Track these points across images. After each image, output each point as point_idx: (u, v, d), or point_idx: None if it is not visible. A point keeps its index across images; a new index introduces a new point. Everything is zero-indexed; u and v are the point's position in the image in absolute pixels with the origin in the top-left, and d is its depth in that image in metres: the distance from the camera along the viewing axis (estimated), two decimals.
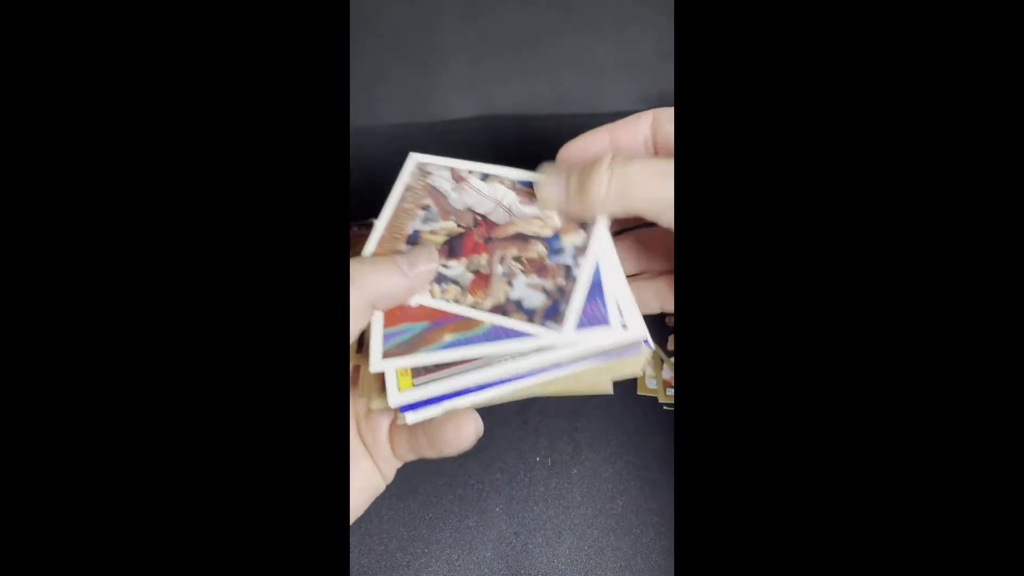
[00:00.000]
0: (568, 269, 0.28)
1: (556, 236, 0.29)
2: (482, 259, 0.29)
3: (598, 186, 0.27)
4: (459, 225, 0.31)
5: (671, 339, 0.42)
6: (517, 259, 0.29)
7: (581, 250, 0.28)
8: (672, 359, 0.41)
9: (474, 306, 0.28)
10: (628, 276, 0.30)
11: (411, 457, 0.31)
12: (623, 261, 0.30)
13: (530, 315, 0.27)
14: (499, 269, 0.29)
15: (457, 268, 0.29)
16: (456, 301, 0.28)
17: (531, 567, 0.35)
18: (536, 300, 0.27)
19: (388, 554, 0.35)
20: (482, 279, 0.29)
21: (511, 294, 0.28)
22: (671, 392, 0.41)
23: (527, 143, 0.60)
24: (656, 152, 0.31)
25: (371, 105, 0.66)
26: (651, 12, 0.77)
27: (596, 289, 0.28)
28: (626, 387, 0.41)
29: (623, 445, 0.39)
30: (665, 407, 0.40)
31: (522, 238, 0.29)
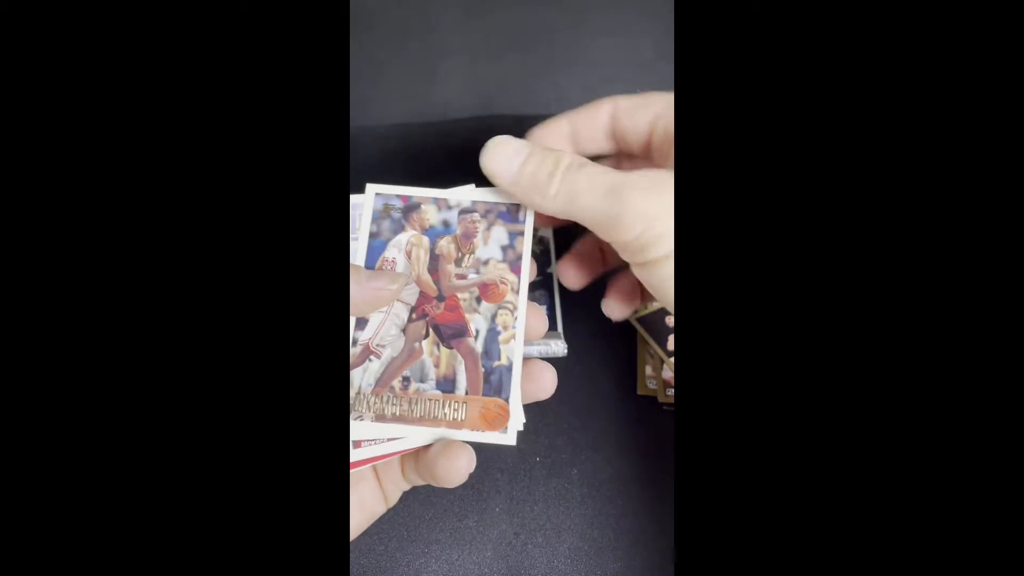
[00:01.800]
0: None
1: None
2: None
3: (550, 184, 0.26)
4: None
5: (671, 339, 0.42)
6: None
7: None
8: (672, 359, 0.41)
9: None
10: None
11: (420, 482, 0.31)
12: (583, 264, 0.32)
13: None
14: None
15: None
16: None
17: (531, 567, 0.35)
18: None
19: (388, 554, 0.35)
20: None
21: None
22: (671, 392, 0.41)
23: None
24: (617, 144, 0.31)
25: (371, 105, 0.66)
26: (651, 12, 0.77)
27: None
28: (626, 387, 0.41)
29: (623, 445, 0.39)
30: (665, 407, 0.40)
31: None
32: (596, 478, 0.38)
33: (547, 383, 0.28)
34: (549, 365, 0.28)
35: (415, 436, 0.29)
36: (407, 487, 0.32)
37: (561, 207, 0.26)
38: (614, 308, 0.33)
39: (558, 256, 0.47)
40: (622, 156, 0.33)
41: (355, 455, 0.28)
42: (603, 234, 0.26)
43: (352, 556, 0.35)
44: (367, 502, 0.31)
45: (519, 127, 0.67)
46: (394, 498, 0.32)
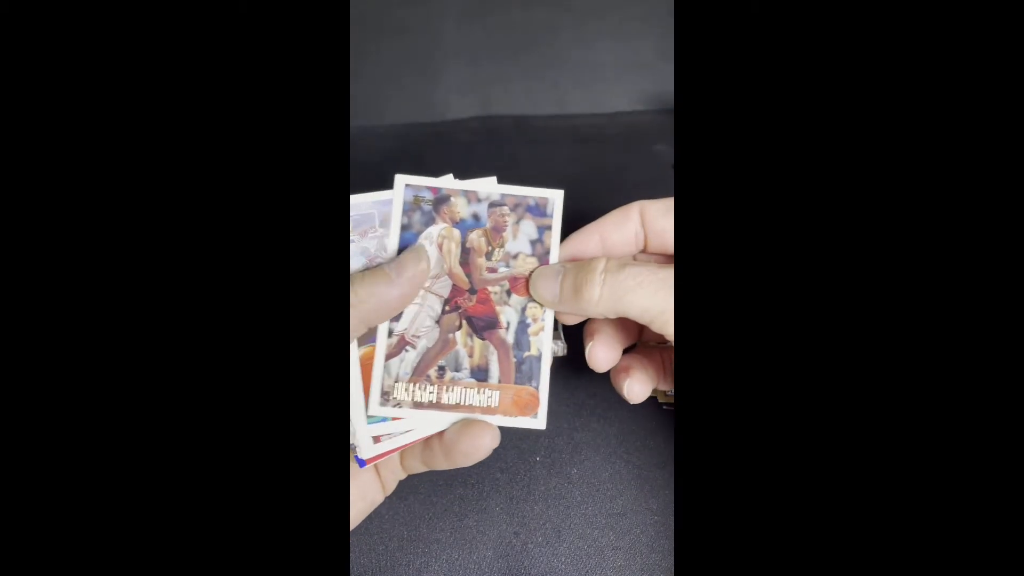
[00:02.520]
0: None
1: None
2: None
3: (591, 290, 0.28)
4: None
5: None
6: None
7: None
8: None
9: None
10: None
11: (420, 469, 0.31)
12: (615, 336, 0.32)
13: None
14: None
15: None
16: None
17: (531, 567, 0.35)
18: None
19: (388, 554, 0.35)
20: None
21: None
22: (671, 392, 0.41)
23: (527, 143, 0.60)
24: (646, 247, 0.31)
25: (371, 105, 0.66)
26: (651, 12, 0.77)
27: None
28: None
29: (623, 445, 0.39)
30: (665, 407, 0.40)
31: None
32: (596, 478, 0.38)
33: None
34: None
35: (428, 424, 0.30)
36: (404, 476, 0.32)
37: (607, 308, 0.28)
38: (637, 388, 0.31)
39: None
40: (650, 256, 0.33)
41: (376, 449, 0.29)
42: (658, 328, 0.27)
43: (352, 556, 0.35)
44: (367, 492, 0.31)
45: (519, 127, 0.67)
46: (391, 487, 0.32)
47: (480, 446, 0.28)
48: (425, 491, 0.37)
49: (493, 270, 0.30)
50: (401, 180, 0.31)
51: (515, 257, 0.31)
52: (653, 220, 0.31)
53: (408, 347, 0.30)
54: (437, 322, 0.30)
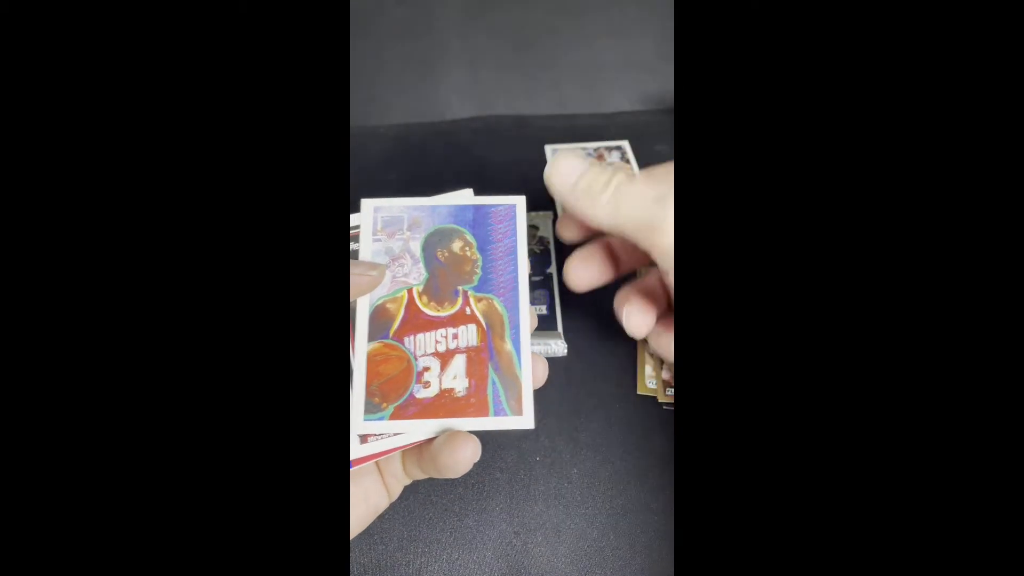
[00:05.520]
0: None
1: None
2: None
3: (601, 194, 0.28)
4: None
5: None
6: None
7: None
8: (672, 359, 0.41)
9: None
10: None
11: (421, 476, 0.31)
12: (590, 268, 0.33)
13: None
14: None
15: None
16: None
17: (531, 567, 0.35)
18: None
19: (388, 554, 0.35)
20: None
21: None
22: (671, 392, 0.41)
23: (527, 143, 0.60)
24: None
25: (371, 105, 0.66)
26: (651, 13, 0.77)
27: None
28: (626, 387, 0.41)
29: (623, 445, 0.39)
30: (665, 407, 0.40)
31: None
32: (596, 478, 0.38)
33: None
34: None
35: (420, 429, 0.29)
36: (408, 481, 0.32)
37: (608, 214, 0.28)
38: (636, 317, 0.32)
39: (559, 257, 0.47)
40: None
41: (363, 450, 0.29)
42: (644, 240, 0.28)
43: (352, 556, 0.35)
44: (371, 496, 0.31)
45: (519, 127, 0.67)
46: (396, 492, 0.32)
47: (461, 459, 0.28)
48: (425, 491, 0.37)
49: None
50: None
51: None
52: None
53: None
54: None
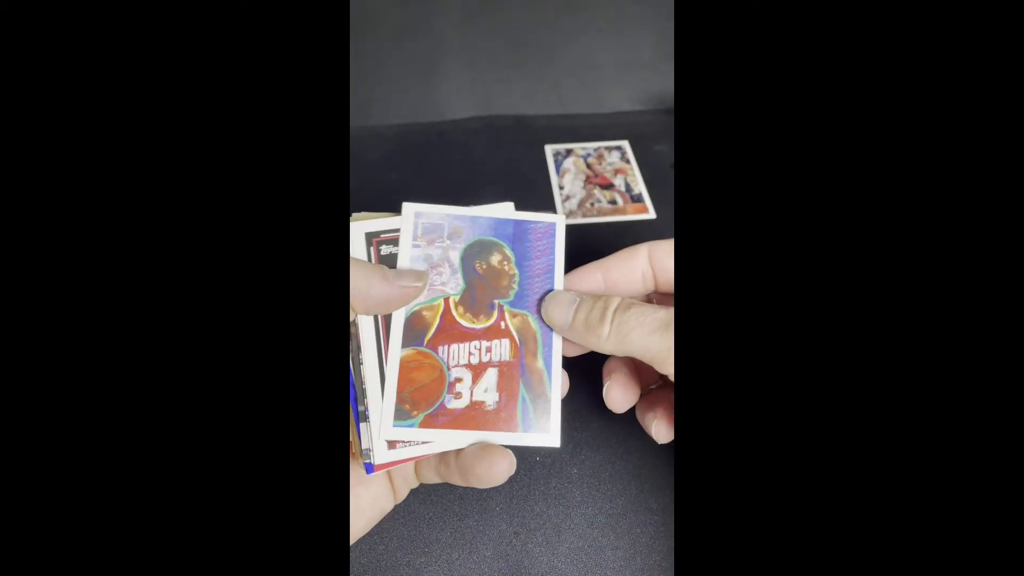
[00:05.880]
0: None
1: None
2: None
3: (602, 327, 0.28)
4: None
5: None
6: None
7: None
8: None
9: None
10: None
11: (434, 480, 0.32)
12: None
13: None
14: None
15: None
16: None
17: (531, 567, 0.35)
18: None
19: (388, 554, 0.35)
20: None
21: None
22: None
23: (527, 143, 0.61)
24: (656, 285, 0.32)
25: (371, 105, 0.66)
26: (651, 13, 0.77)
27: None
28: None
29: (623, 445, 0.39)
30: None
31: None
32: (596, 478, 0.38)
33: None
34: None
35: (449, 440, 0.30)
36: (416, 485, 0.32)
37: (614, 346, 0.28)
38: (616, 392, 0.32)
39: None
40: (659, 296, 0.34)
41: (389, 456, 0.29)
42: (658, 367, 0.28)
43: (352, 556, 0.35)
44: (379, 499, 0.31)
45: (519, 127, 0.67)
46: (403, 495, 0.33)
47: (496, 472, 0.28)
48: (425, 491, 0.37)
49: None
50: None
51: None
52: (660, 260, 0.31)
53: None
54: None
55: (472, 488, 0.37)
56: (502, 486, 0.37)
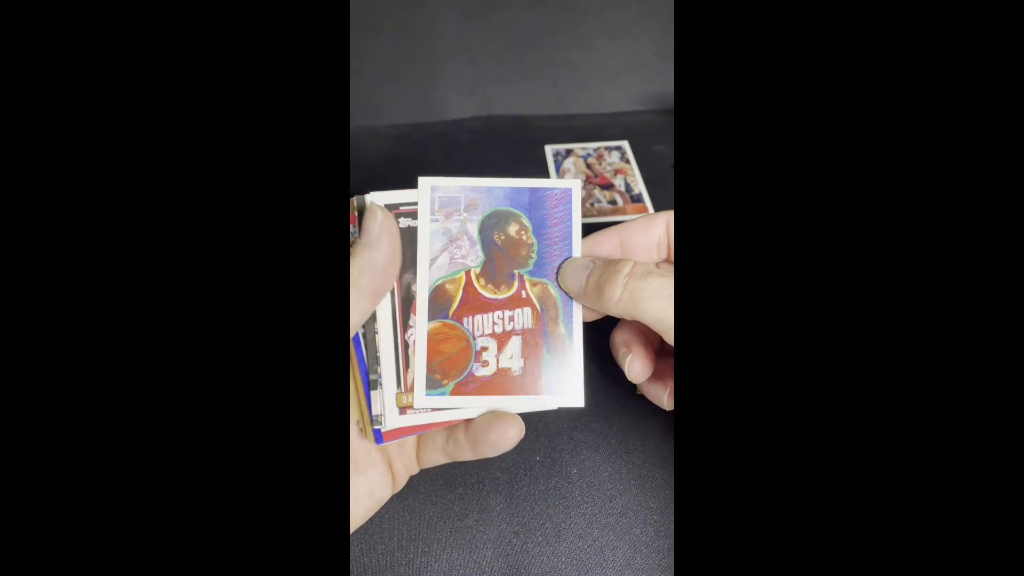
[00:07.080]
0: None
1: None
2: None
3: (612, 290, 0.29)
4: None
5: None
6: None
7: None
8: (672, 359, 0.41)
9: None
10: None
11: (440, 461, 0.32)
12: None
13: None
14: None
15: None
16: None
17: (531, 567, 0.35)
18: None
19: (388, 553, 0.35)
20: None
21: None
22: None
23: (527, 143, 0.61)
24: (668, 255, 0.33)
25: (371, 105, 0.66)
26: (651, 13, 0.77)
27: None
28: (626, 387, 0.41)
29: (623, 445, 0.39)
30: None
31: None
32: (596, 478, 0.38)
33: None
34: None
35: (479, 405, 0.31)
36: (416, 471, 0.33)
37: (626, 310, 0.29)
38: (638, 364, 0.33)
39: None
40: (668, 266, 0.34)
41: (401, 421, 0.30)
42: (667, 334, 0.28)
43: (352, 555, 0.35)
44: (377, 488, 0.32)
45: (519, 127, 0.67)
46: (402, 482, 0.33)
47: (509, 437, 0.29)
48: (425, 491, 0.37)
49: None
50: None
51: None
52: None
53: None
54: None
55: (472, 488, 0.37)
56: (502, 486, 0.37)
